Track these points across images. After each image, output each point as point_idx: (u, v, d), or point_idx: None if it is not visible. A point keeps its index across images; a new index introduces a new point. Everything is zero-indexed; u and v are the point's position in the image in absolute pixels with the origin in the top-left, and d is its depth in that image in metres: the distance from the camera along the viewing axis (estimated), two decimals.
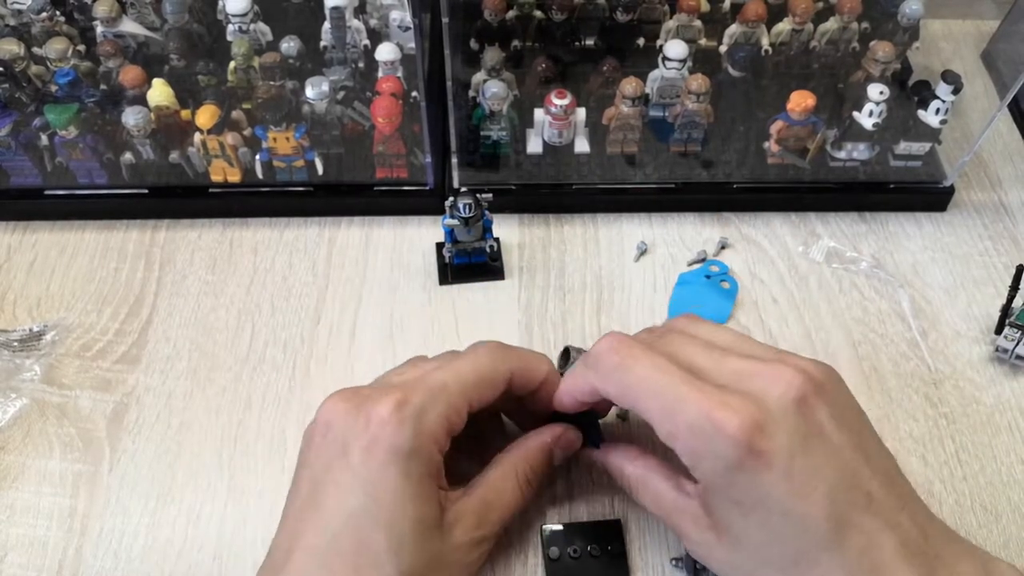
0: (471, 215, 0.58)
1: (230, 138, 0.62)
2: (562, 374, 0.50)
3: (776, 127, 0.63)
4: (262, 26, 0.66)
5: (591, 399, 0.46)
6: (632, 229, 0.65)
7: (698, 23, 0.67)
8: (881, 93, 0.62)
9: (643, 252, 0.64)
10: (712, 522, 0.41)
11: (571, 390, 0.46)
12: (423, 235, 0.65)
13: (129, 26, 0.66)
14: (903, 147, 0.65)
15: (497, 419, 0.52)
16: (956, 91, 0.61)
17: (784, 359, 0.41)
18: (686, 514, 0.43)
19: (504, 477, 0.46)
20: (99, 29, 0.65)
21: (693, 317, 0.47)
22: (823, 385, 0.40)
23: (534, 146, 0.66)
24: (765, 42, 0.67)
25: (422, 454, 0.41)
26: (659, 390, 0.41)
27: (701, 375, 0.41)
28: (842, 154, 0.66)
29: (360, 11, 0.67)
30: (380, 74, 0.64)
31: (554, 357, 0.57)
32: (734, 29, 0.67)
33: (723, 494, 0.40)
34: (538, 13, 0.68)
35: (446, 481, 0.44)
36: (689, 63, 0.64)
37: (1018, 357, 0.57)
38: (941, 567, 0.38)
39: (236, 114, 0.64)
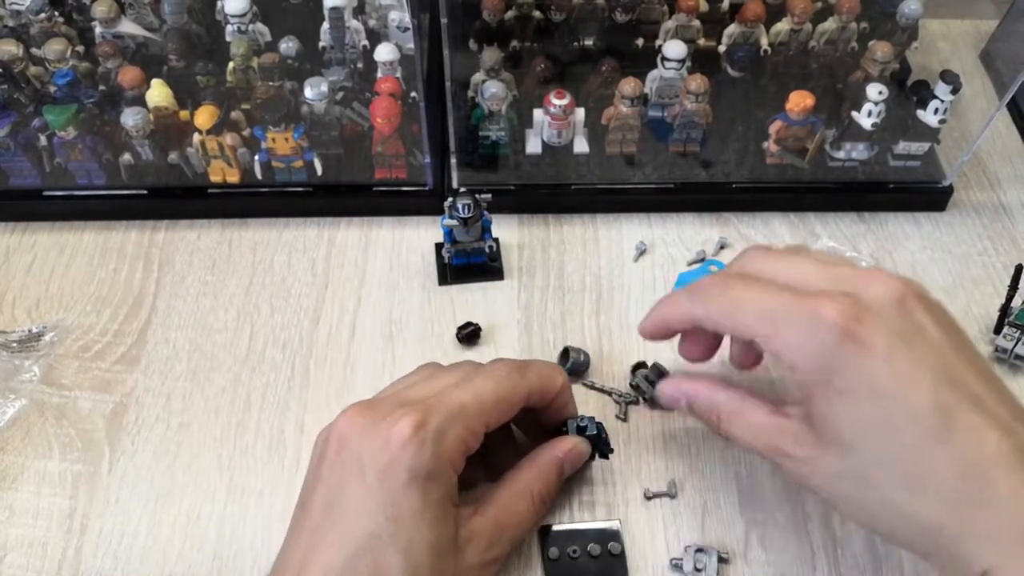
0: (470, 215, 0.58)
1: (229, 139, 0.62)
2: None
3: (775, 127, 0.63)
4: (261, 26, 0.66)
5: (683, 326, 0.47)
6: (631, 229, 0.65)
7: (697, 23, 0.67)
8: (880, 93, 0.62)
9: (642, 252, 0.64)
10: (816, 435, 0.41)
11: (666, 317, 0.47)
12: (422, 235, 0.65)
13: (128, 27, 0.66)
14: (902, 147, 0.65)
15: (506, 427, 0.51)
16: (955, 91, 0.61)
17: (879, 268, 0.42)
18: (787, 434, 0.42)
19: (518, 497, 0.46)
20: (98, 30, 0.65)
21: (768, 247, 0.47)
22: (921, 292, 0.41)
23: (533, 146, 0.66)
24: (764, 42, 0.67)
25: (440, 476, 0.41)
26: (759, 300, 0.42)
27: (799, 287, 0.42)
28: (841, 154, 0.66)
29: (359, 11, 0.67)
30: (379, 74, 0.64)
31: (553, 357, 0.58)
32: (733, 29, 0.67)
33: (828, 388, 0.39)
34: (537, 13, 0.68)
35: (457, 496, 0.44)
36: (688, 63, 0.64)
37: (1017, 357, 0.57)
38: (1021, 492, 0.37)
39: (235, 115, 0.64)
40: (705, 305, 0.45)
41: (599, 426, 0.50)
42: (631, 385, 0.56)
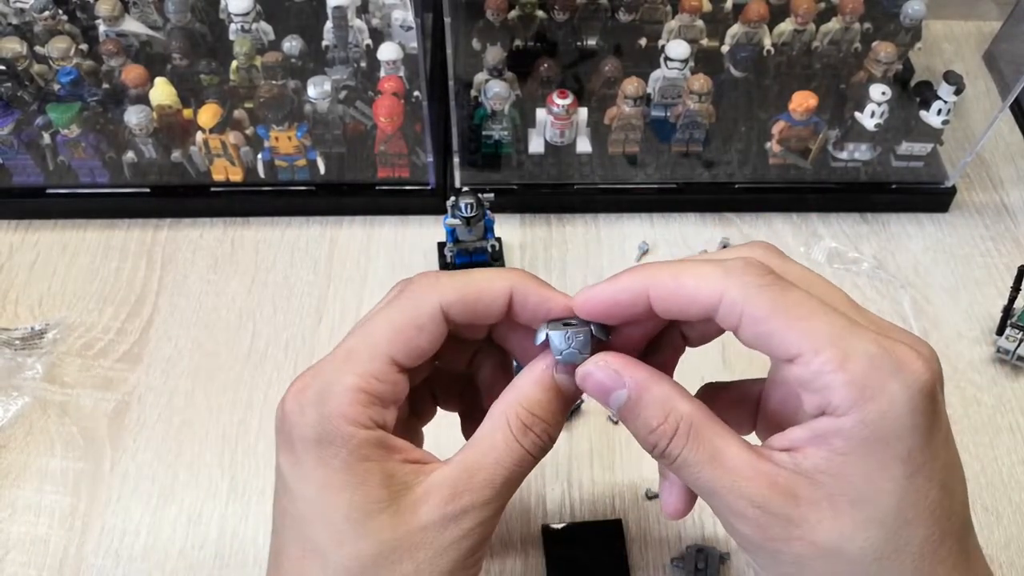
0: (472, 215, 0.58)
1: (232, 137, 0.62)
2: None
3: (778, 127, 0.63)
4: (264, 25, 0.67)
5: (692, 313, 0.34)
6: (633, 229, 0.65)
7: (700, 23, 0.67)
8: (883, 94, 0.62)
9: (644, 252, 0.64)
10: (826, 494, 0.32)
11: (686, 288, 0.34)
12: (425, 235, 0.65)
13: (131, 25, 0.66)
14: (905, 148, 0.65)
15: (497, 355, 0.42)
16: (958, 92, 0.61)
17: (911, 335, 0.34)
18: (774, 484, 0.32)
19: (492, 431, 0.37)
20: (101, 28, 0.65)
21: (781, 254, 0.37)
22: None
23: (536, 146, 0.66)
24: (767, 42, 0.67)
25: (335, 437, 0.35)
26: (828, 317, 0.32)
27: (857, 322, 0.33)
28: (844, 154, 0.66)
29: (362, 11, 0.67)
30: (382, 73, 0.64)
31: None
32: (736, 29, 0.67)
33: (886, 449, 0.31)
34: (540, 13, 0.68)
35: (415, 454, 0.37)
36: (691, 63, 0.64)
37: (1019, 358, 0.57)
38: None
39: (238, 113, 0.64)
40: (751, 290, 0.33)
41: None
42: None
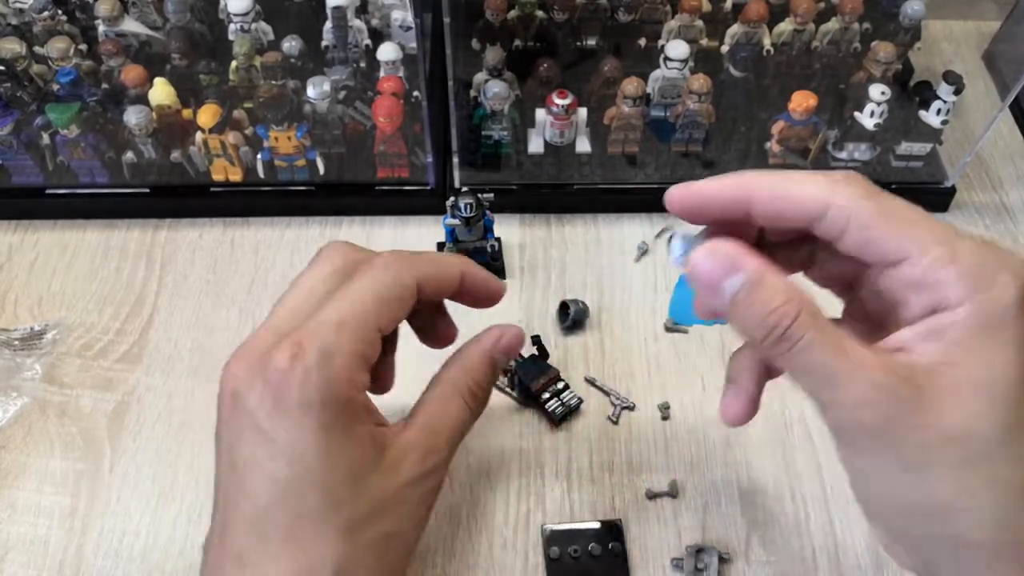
0: (472, 215, 0.58)
1: (231, 137, 0.62)
2: (564, 329, 0.55)
3: (777, 127, 0.63)
4: (264, 25, 0.67)
5: (795, 221, 0.35)
6: (633, 229, 0.65)
7: (700, 23, 0.67)
8: (882, 93, 0.62)
9: (644, 252, 0.64)
10: (945, 381, 0.32)
11: (790, 194, 0.35)
12: (424, 235, 0.65)
13: (131, 25, 0.66)
14: (904, 147, 0.65)
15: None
16: (957, 92, 0.61)
17: None
18: (895, 370, 0.32)
19: (447, 399, 0.43)
20: (101, 28, 0.65)
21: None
22: None
23: (535, 146, 0.66)
24: (767, 42, 0.67)
25: (337, 401, 0.38)
26: (930, 222, 0.33)
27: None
28: (843, 154, 0.66)
29: (362, 11, 0.67)
30: (381, 74, 0.64)
31: (554, 354, 0.58)
32: (736, 29, 0.67)
33: (1001, 332, 0.32)
34: (540, 13, 0.68)
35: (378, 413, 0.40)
36: (691, 63, 0.64)
37: None
38: None
39: (238, 113, 0.64)
40: (855, 198, 0.34)
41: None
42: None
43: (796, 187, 0.34)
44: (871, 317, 0.37)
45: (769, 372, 0.39)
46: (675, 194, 0.36)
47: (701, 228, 0.37)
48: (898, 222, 0.33)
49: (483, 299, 0.45)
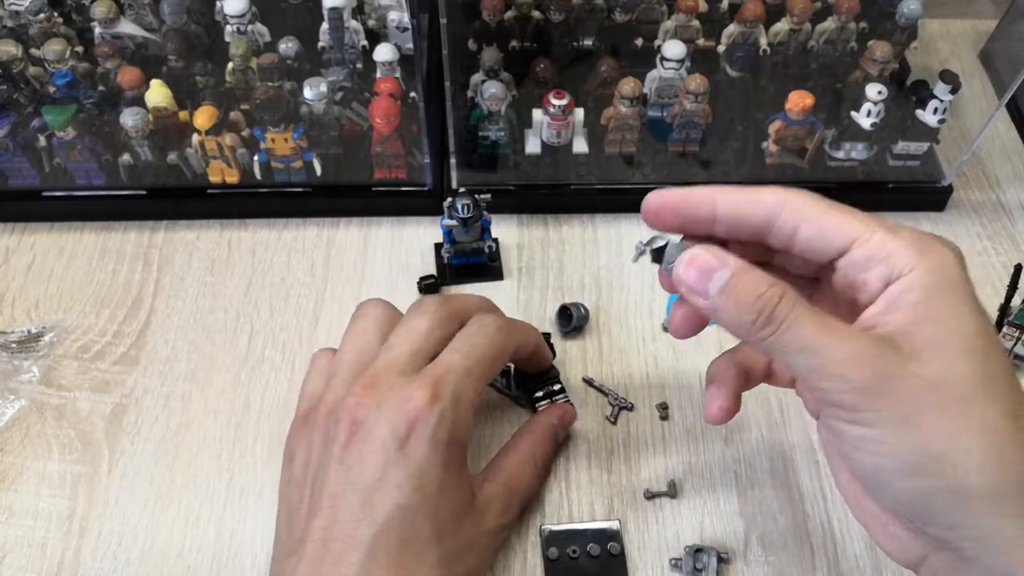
0: (470, 216, 0.58)
1: (228, 139, 0.62)
2: (563, 333, 0.58)
3: (774, 127, 0.63)
4: (260, 27, 0.66)
5: (755, 220, 0.38)
6: (631, 229, 0.65)
7: (696, 23, 0.67)
8: (879, 93, 0.62)
9: (642, 252, 0.64)
10: (919, 340, 0.34)
11: (751, 196, 0.38)
12: (422, 236, 0.65)
13: (127, 27, 0.66)
14: (901, 147, 0.65)
15: None
16: (954, 91, 0.61)
17: None
18: (872, 335, 0.35)
19: (523, 463, 0.49)
20: (97, 30, 0.65)
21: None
22: None
23: (532, 146, 0.66)
24: (763, 42, 0.67)
25: (459, 441, 0.43)
26: (870, 216, 0.36)
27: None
28: (840, 154, 0.66)
29: (358, 12, 0.67)
30: (378, 75, 0.64)
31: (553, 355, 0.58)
32: (732, 29, 0.67)
33: (955, 289, 0.34)
34: (536, 13, 0.68)
35: None
36: (687, 63, 0.64)
37: (1017, 356, 0.57)
38: None
39: (234, 115, 0.64)
40: (805, 197, 0.37)
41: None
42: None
43: (755, 193, 0.38)
44: (836, 302, 0.39)
45: (748, 377, 0.43)
46: (651, 201, 0.39)
47: (680, 238, 0.40)
48: (843, 214, 0.36)
49: (536, 365, 0.53)
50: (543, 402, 0.54)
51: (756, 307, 0.35)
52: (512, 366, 0.54)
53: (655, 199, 0.39)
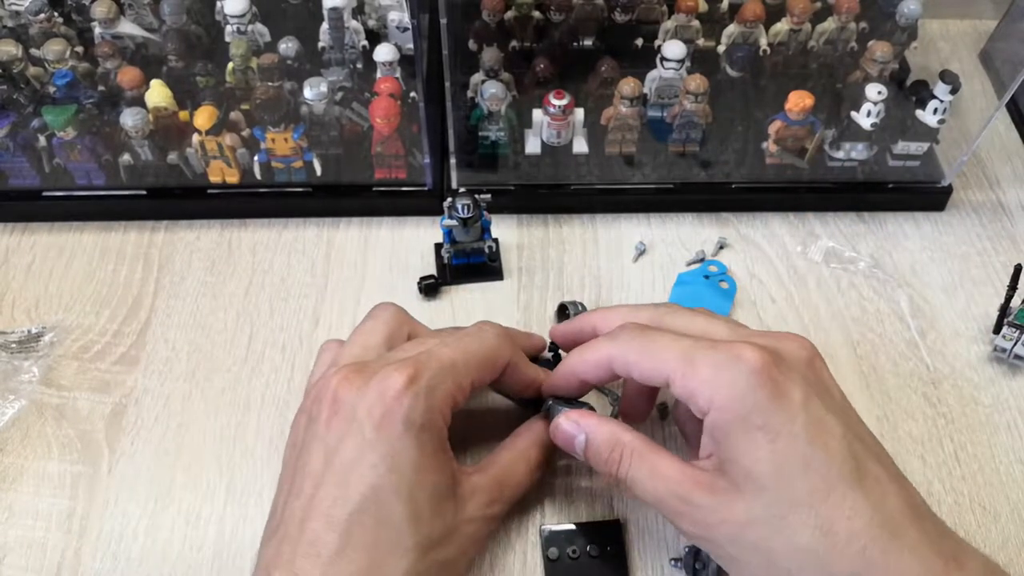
0: (470, 216, 0.58)
1: (228, 139, 0.62)
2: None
3: (774, 127, 0.63)
4: (260, 27, 0.66)
5: (602, 374, 0.46)
6: (631, 229, 0.65)
7: (696, 23, 0.67)
8: (879, 93, 0.62)
9: (642, 252, 0.64)
10: (729, 480, 0.40)
11: (588, 360, 0.46)
12: (422, 236, 0.65)
13: (127, 27, 0.66)
14: (901, 147, 0.65)
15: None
16: (954, 91, 0.61)
17: (787, 332, 0.45)
18: (697, 482, 0.41)
19: (516, 460, 0.49)
20: (97, 30, 0.65)
21: (675, 306, 0.49)
22: (821, 356, 0.44)
23: (532, 146, 0.66)
24: (763, 42, 0.67)
25: (433, 427, 0.43)
26: (677, 344, 0.43)
27: (714, 338, 0.44)
28: (840, 154, 0.66)
29: (358, 12, 0.67)
30: (378, 75, 0.64)
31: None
32: (732, 29, 0.67)
33: (746, 423, 0.39)
34: (536, 13, 0.68)
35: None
36: (687, 63, 0.64)
37: (1016, 356, 0.57)
38: (947, 536, 0.39)
39: (234, 115, 0.64)
40: (624, 345, 0.45)
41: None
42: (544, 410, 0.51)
43: (591, 353, 0.46)
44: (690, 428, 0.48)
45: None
46: (546, 389, 0.50)
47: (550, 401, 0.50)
48: (651, 353, 0.43)
49: (530, 384, 0.51)
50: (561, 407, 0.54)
51: (605, 469, 0.44)
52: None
53: (558, 391, 0.49)
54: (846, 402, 0.43)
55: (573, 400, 0.50)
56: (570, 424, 0.46)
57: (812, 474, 0.38)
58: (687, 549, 0.49)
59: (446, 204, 0.58)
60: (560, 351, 0.54)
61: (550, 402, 0.50)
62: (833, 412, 0.40)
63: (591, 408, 0.49)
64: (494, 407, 0.55)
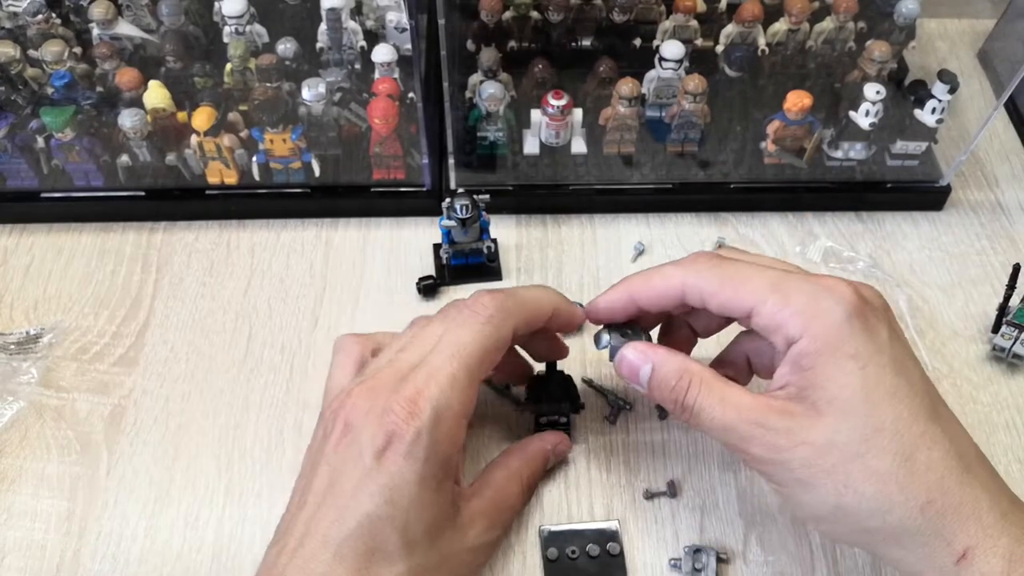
0: (468, 216, 0.58)
1: (227, 140, 0.62)
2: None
3: (773, 127, 0.63)
4: (258, 28, 0.66)
5: (667, 302, 0.45)
6: (629, 229, 0.65)
7: (694, 23, 0.67)
8: (877, 92, 0.62)
9: (640, 252, 0.64)
10: (810, 404, 0.40)
11: (656, 287, 0.45)
12: (420, 236, 0.65)
13: (125, 28, 0.66)
14: (900, 146, 0.65)
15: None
16: (952, 90, 0.61)
17: (857, 281, 0.43)
18: (772, 407, 0.41)
19: (509, 480, 0.49)
20: (95, 31, 0.65)
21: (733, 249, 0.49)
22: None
23: (531, 147, 0.66)
24: (761, 42, 0.67)
25: (438, 460, 0.42)
26: (763, 273, 0.42)
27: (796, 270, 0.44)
28: (839, 154, 0.66)
29: (356, 12, 0.67)
30: (377, 75, 0.64)
31: None
32: (730, 29, 0.67)
33: (837, 351, 0.39)
34: (535, 14, 0.68)
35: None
36: (685, 63, 0.64)
37: (1015, 356, 0.57)
38: (1002, 481, 0.40)
39: (233, 116, 0.64)
40: (702, 273, 0.43)
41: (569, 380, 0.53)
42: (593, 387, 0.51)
43: (658, 279, 0.45)
44: (760, 353, 0.48)
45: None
46: (590, 311, 0.48)
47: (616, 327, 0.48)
48: (736, 284, 0.42)
49: (565, 327, 0.50)
50: (542, 419, 0.54)
51: (671, 397, 0.43)
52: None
53: (593, 314, 0.48)
54: (909, 346, 0.43)
55: (627, 329, 0.47)
56: (637, 355, 0.45)
57: (898, 403, 0.39)
58: (686, 549, 0.49)
59: (444, 204, 0.58)
60: (556, 366, 0.53)
61: (605, 333, 0.47)
62: (910, 356, 0.41)
63: (649, 337, 0.48)
64: (481, 403, 0.55)
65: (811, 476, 0.39)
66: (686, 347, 0.50)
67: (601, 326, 0.48)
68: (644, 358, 0.45)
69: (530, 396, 0.53)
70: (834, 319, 0.40)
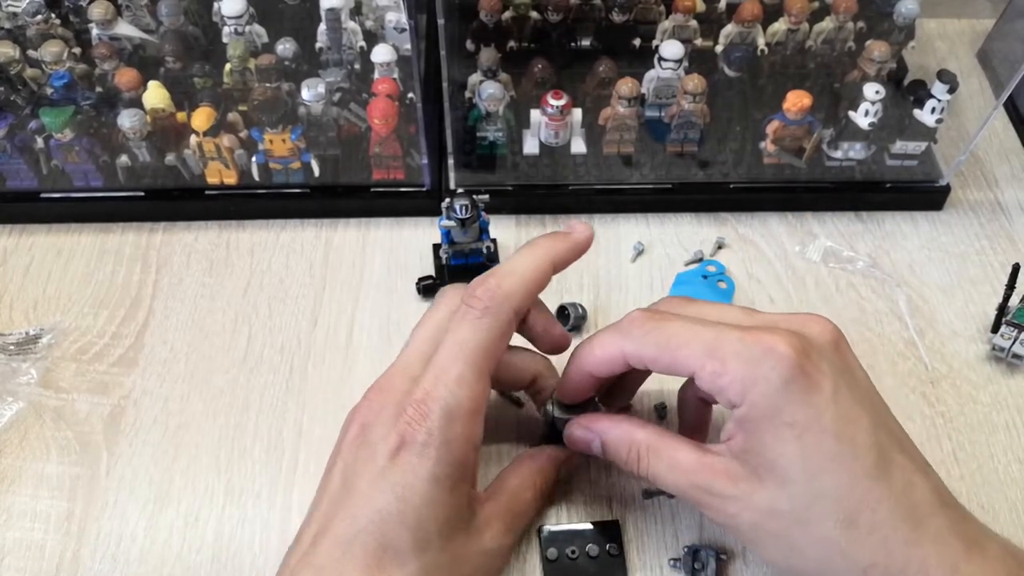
0: (468, 216, 0.58)
1: (226, 140, 0.62)
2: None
3: (772, 127, 0.64)
4: (258, 28, 0.66)
5: (615, 368, 0.45)
6: (629, 229, 0.65)
7: (694, 23, 0.67)
8: (877, 92, 0.62)
9: (640, 252, 0.64)
10: (751, 469, 0.40)
11: (599, 357, 0.45)
12: (420, 236, 0.65)
13: (124, 28, 0.66)
14: (899, 146, 0.65)
15: None
16: (952, 90, 0.61)
17: (809, 313, 0.44)
18: (717, 471, 0.41)
19: (524, 488, 0.48)
20: (94, 32, 0.65)
21: (685, 298, 0.48)
22: (844, 337, 0.43)
23: (530, 147, 0.66)
24: (761, 42, 0.67)
25: (452, 461, 0.42)
26: (699, 336, 0.41)
27: (735, 325, 0.42)
28: (838, 153, 0.66)
29: (356, 13, 0.67)
30: (376, 75, 0.64)
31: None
32: (730, 29, 0.67)
33: (775, 420, 0.39)
34: (534, 14, 0.68)
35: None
36: (685, 63, 0.64)
37: (1015, 355, 0.57)
38: (969, 522, 0.40)
39: (232, 116, 0.64)
40: (639, 340, 0.43)
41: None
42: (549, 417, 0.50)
43: (599, 350, 0.45)
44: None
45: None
46: (562, 396, 0.49)
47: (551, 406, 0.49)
48: (672, 349, 0.42)
49: (570, 260, 0.48)
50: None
51: (627, 468, 0.44)
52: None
53: (571, 396, 0.48)
54: (871, 385, 0.42)
55: (576, 405, 0.48)
56: (582, 431, 0.47)
57: (838, 468, 0.39)
58: (686, 549, 0.49)
59: (444, 205, 0.58)
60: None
61: (553, 413, 0.49)
62: (860, 402, 0.40)
63: (596, 406, 0.49)
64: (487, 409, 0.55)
65: (760, 539, 0.41)
66: (633, 385, 0.52)
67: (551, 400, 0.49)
68: (591, 433, 0.46)
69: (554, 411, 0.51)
70: (771, 387, 0.39)
